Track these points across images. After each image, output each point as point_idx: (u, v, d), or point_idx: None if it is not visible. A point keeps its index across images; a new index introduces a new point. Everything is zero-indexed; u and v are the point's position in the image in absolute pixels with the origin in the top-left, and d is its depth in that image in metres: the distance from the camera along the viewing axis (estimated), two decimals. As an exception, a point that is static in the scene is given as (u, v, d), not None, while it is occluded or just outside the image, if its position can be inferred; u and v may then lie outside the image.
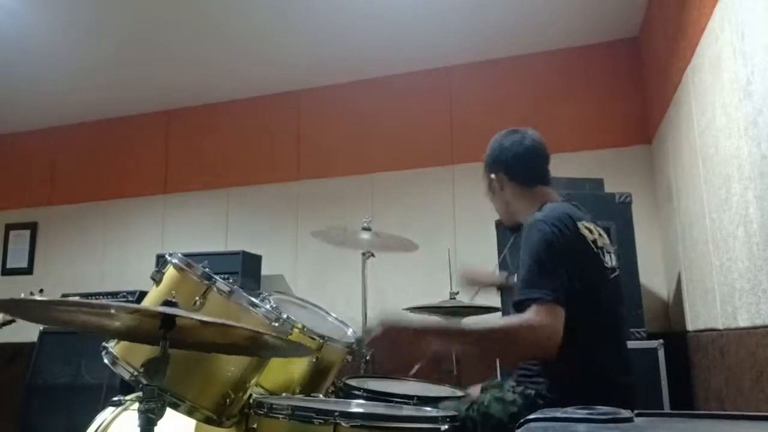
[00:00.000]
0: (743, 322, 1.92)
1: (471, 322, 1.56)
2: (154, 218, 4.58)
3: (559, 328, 1.44)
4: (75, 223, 4.79)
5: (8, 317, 3.17)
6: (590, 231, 1.66)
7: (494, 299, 3.02)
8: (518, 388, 1.62)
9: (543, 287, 1.48)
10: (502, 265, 2.96)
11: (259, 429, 1.51)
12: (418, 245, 2.98)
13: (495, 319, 1.55)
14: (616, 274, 1.71)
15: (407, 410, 1.66)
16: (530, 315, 1.45)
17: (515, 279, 1.84)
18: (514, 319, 1.50)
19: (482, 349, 1.64)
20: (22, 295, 3.34)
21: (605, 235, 1.76)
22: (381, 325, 1.52)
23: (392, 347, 1.54)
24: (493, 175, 1.85)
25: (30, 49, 3.81)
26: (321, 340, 1.91)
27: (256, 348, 1.53)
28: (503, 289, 3.03)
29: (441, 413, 1.51)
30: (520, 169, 1.82)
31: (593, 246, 1.63)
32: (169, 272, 1.64)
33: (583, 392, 1.38)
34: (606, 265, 1.66)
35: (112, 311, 1.20)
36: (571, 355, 1.46)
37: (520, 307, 1.50)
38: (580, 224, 1.63)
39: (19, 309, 1.26)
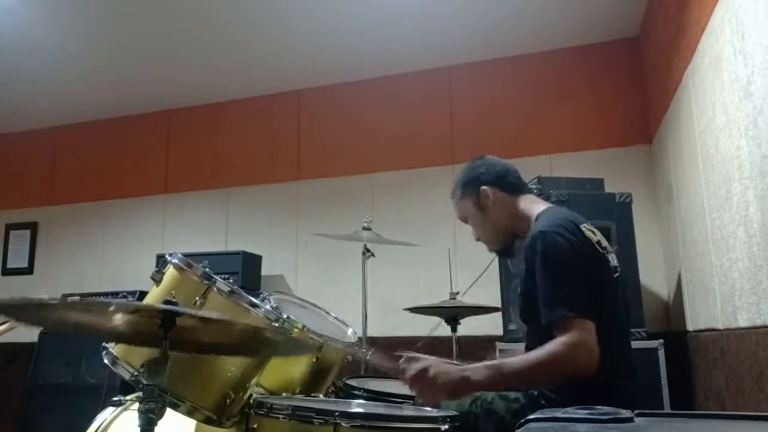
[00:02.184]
0: (743, 322, 1.92)
1: (509, 361, 1.53)
2: (154, 218, 4.58)
3: (592, 341, 1.43)
4: (75, 223, 4.79)
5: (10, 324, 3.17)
6: (593, 233, 1.66)
7: (494, 298, 3.03)
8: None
9: (565, 303, 1.47)
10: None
11: (260, 429, 1.51)
12: (418, 245, 2.99)
13: (530, 354, 1.52)
14: (617, 274, 1.71)
15: (407, 410, 1.66)
16: (561, 338, 1.45)
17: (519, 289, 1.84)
18: (547, 348, 1.46)
19: (531, 384, 1.61)
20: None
21: (603, 237, 1.77)
22: (425, 363, 1.52)
23: (432, 388, 1.52)
24: (483, 188, 1.81)
25: (30, 49, 3.81)
26: (321, 340, 1.91)
27: (257, 347, 1.53)
28: (504, 289, 3.04)
29: (441, 413, 1.51)
30: (507, 178, 1.83)
31: (599, 247, 1.64)
32: (170, 272, 1.64)
33: (585, 393, 1.37)
34: (611, 265, 1.67)
35: (112, 308, 1.20)
36: None
37: (548, 328, 1.49)
38: (583, 227, 1.63)
39: (17, 311, 1.25)
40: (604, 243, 1.69)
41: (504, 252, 1.90)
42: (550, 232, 1.57)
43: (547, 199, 2.13)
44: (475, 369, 1.52)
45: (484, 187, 1.81)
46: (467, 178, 1.86)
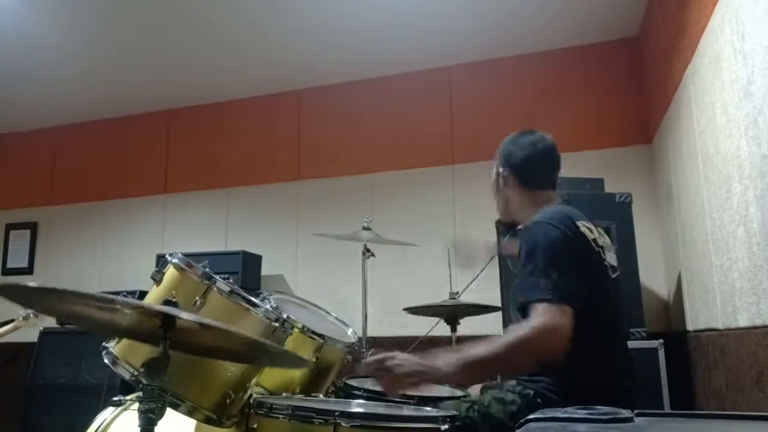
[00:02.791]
0: (743, 322, 1.92)
1: (476, 345, 1.49)
2: (154, 218, 4.58)
3: (564, 327, 1.43)
4: (75, 223, 4.79)
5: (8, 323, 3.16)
6: (590, 230, 1.66)
7: (494, 298, 3.03)
8: (518, 388, 1.62)
9: (548, 287, 1.47)
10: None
11: (260, 429, 1.51)
12: (418, 245, 2.98)
13: (497, 339, 1.50)
14: (617, 273, 1.71)
15: (407, 410, 1.66)
16: (530, 321, 1.44)
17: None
18: (515, 331, 1.47)
19: (501, 370, 1.61)
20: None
21: (605, 236, 1.76)
22: (393, 357, 1.52)
23: (394, 376, 1.51)
24: (501, 169, 1.84)
25: (30, 49, 3.81)
26: (321, 340, 1.91)
27: (256, 353, 1.53)
28: (504, 289, 3.03)
29: (441, 413, 1.51)
30: (529, 171, 1.82)
31: (594, 244, 1.64)
32: (170, 272, 1.64)
33: (583, 392, 1.37)
34: (607, 263, 1.67)
35: (116, 306, 1.20)
36: (573, 355, 1.46)
37: (527, 308, 1.49)
38: (579, 223, 1.63)
39: (20, 295, 1.25)
40: (602, 241, 1.68)
41: (505, 226, 1.94)
42: (543, 222, 1.60)
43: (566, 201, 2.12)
44: (444, 357, 1.50)
45: (501, 169, 1.84)
46: (502, 149, 1.88)
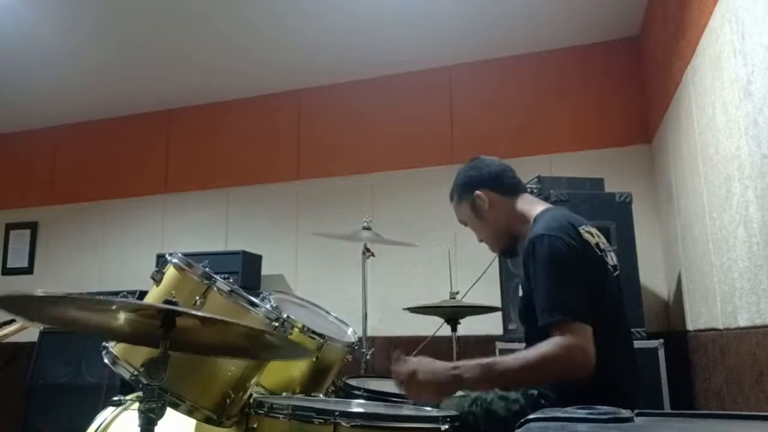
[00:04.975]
0: (743, 321, 1.92)
1: (502, 359, 1.54)
2: (154, 218, 4.58)
3: (589, 346, 1.42)
4: (75, 223, 4.79)
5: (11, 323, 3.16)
6: (591, 235, 1.65)
7: (494, 298, 3.03)
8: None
9: (563, 306, 1.47)
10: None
11: (260, 429, 1.51)
12: (418, 245, 2.98)
13: (524, 353, 1.53)
14: (617, 273, 1.71)
15: (407, 410, 1.66)
16: (557, 339, 1.44)
17: (520, 290, 1.84)
18: (542, 348, 1.46)
19: (518, 386, 1.61)
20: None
21: (602, 236, 1.76)
22: (413, 366, 1.53)
23: (420, 385, 1.53)
24: (477, 192, 1.79)
25: (30, 48, 3.81)
26: (321, 340, 1.91)
27: (256, 349, 1.53)
28: (504, 289, 3.04)
29: (441, 413, 1.51)
30: (504, 179, 1.81)
31: (597, 249, 1.63)
32: (170, 272, 1.64)
33: (586, 392, 1.37)
34: (609, 266, 1.66)
35: (114, 307, 1.20)
36: None
37: (545, 330, 1.48)
38: (581, 229, 1.62)
39: (18, 306, 1.25)
40: (603, 244, 1.68)
41: (506, 253, 1.89)
42: (547, 235, 1.56)
43: (546, 199, 2.12)
44: (467, 367, 1.51)
45: (478, 192, 1.79)
46: (462, 181, 1.85)
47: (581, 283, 1.51)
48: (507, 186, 1.81)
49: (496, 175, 1.81)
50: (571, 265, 1.53)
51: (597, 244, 1.64)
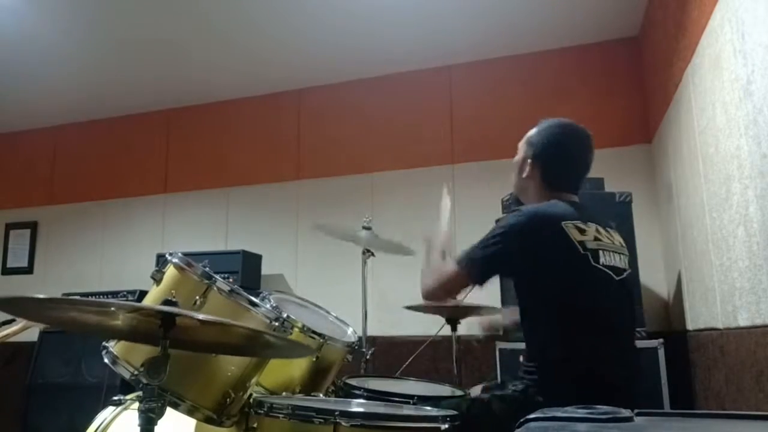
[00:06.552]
0: (743, 321, 1.92)
1: (437, 258, 1.94)
2: (154, 218, 4.58)
3: (453, 288, 1.79)
4: (75, 222, 4.79)
5: (11, 324, 3.16)
6: (581, 231, 1.65)
7: (494, 298, 3.02)
8: (519, 387, 1.62)
9: (470, 259, 1.69)
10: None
11: (260, 428, 1.51)
12: (416, 252, 2.96)
13: (442, 263, 1.88)
14: (623, 276, 1.71)
15: (407, 410, 1.66)
16: (449, 268, 1.75)
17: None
18: (445, 265, 1.81)
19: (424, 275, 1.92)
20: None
21: (615, 236, 1.76)
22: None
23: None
24: (530, 161, 1.86)
25: (30, 48, 3.81)
26: (321, 340, 1.91)
27: (257, 347, 1.53)
28: (504, 289, 3.04)
29: (441, 413, 1.51)
30: (555, 173, 1.85)
31: (579, 246, 1.62)
32: (170, 272, 1.64)
33: (586, 393, 1.37)
34: (600, 265, 1.65)
35: (113, 309, 1.20)
36: (561, 353, 1.48)
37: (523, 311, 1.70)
38: (565, 223, 1.62)
39: (18, 307, 1.25)
40: (597, 244, 1.66)
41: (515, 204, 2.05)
42: (518, 213, 1.70)
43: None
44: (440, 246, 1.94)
45: (531, 160, 1.87)
46: (539, 139, 1.90)
47: (498, 256, 1.66)
48: (554, 179, 1.85)
49: (554, 164, 1.86)
50: (509, 242, 1.64)
51: (582, 242, 1.63)
